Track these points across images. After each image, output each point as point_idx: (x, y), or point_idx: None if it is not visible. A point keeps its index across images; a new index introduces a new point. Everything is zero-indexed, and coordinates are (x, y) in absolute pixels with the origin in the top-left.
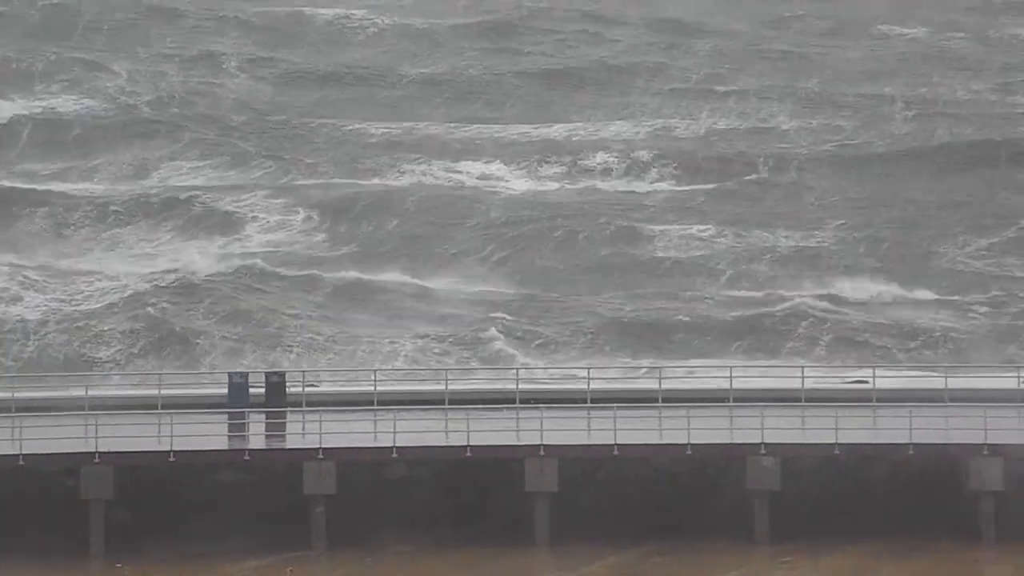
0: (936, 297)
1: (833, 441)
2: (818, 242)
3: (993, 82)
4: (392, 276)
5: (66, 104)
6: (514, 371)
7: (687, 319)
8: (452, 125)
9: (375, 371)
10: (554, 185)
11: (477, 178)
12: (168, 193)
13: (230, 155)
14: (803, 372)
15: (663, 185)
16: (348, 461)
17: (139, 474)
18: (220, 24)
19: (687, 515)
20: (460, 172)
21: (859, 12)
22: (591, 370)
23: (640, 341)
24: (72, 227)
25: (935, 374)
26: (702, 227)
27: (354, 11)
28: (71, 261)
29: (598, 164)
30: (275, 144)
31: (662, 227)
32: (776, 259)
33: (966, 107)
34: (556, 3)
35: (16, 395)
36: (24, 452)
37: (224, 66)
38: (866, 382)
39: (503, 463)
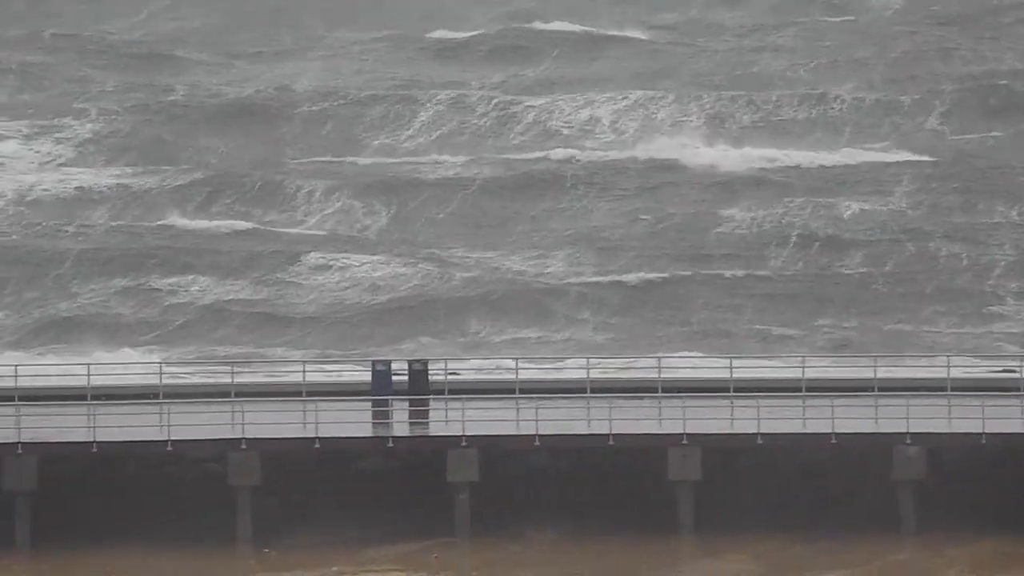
0: None
1: (980, 431)
2: None
3: None
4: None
5: None
6: (655, 359)
7: None
8: None
9: (517, 359)
10: None
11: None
12: None
13: None
14: (949, 362)
15: None
16: (491, 449)
17: (285, 460)
18: None
19: (831, 504)
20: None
21: None
22: (732, 359)
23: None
24: None
25: None
26: None
27: None
28: None
29: None
30: None
31: None
32: None
33: None
34: None
35: (163, 382)
36: (172, 438)
37: None
38: (1014, 372)
39: (646, 452)
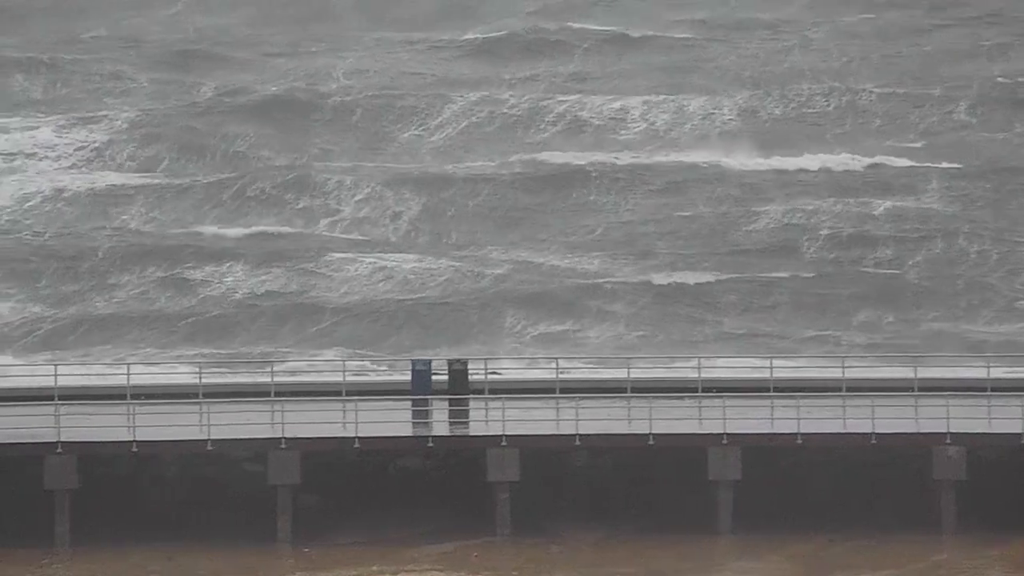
0: None
1: (1021, 431)
2: None
3: None
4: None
5: None
6: (695, 360)
7: None
8: None
9: (557, 359)
10: None
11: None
12: None
13: None
14: (988, 362)
15: None
16: (531, 448)
17: (325, 460)
18: None
19: (870, 505)
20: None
21: None
22: (773, 359)
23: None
24: None
25: None
26: None
27: None
28: None
29: None
30: None
31: None
32: None
33: None
34: None
35: (203, 380)
36: (212, 438)
37: None
38: None
39: (685, 451)
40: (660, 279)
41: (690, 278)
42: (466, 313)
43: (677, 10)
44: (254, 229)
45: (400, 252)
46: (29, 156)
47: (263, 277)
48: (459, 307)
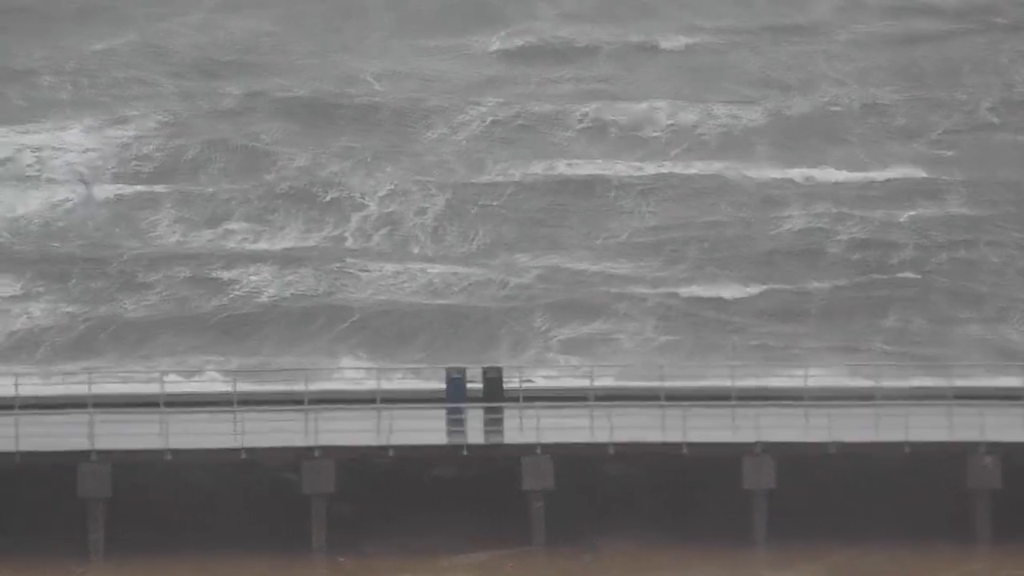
0: None
1: None
2: None
3: None
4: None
5: None
6: (729, 367)
7: None
8: None
9: (592, 366)
10: None
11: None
12: None
13: None
14: None
15: None
16: (566, 456)
17: (359, 469)
18: None
19: (904, 514)
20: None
21: None
22: (808, 368)
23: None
24: None
25: None
26: None
27: None
28: None
29: None
30: None
31: None
32: None
33: None
34: None
35: (237, 389)
36: (246, 446)
37: None
38: None
39: (719, 460)
40: (688, 288)
41: (720, 289)
42: (493, 319)
43: (702, 15)
44: (282, 233)
45: (426, 257)
46: (57, 158)
47: (290, 278)
48: (486, 313)
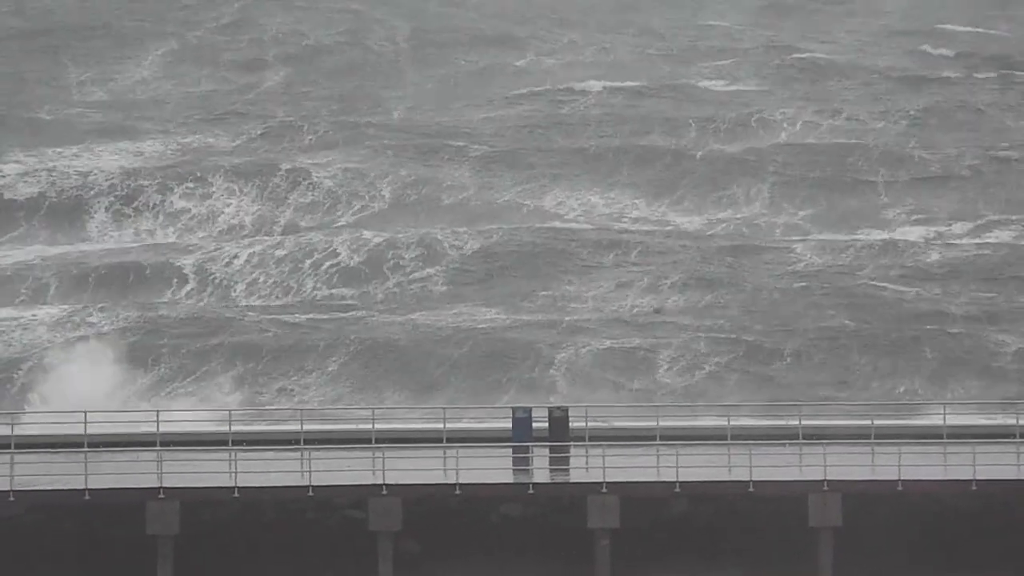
0: None
1: None
2: None
3: None
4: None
5: None
6: (796, 407)
7: None
8: None
9: (657, 406)
10: None
11: None
12: None
13: None
14: None
15: None
16: (631, 495)
17: (426, 506)
18: None
19: (972, 552)
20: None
21: None
22: (873, 405)
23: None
24: None
25: None
26: None
27: None
28: None
29: None
30: None
31: None
32: None
33: None
34: None
35: (304, 427)
36: (313, 484)
37: None
38: None
39: (786, 499)
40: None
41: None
42: (546, 356)
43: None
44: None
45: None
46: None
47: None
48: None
